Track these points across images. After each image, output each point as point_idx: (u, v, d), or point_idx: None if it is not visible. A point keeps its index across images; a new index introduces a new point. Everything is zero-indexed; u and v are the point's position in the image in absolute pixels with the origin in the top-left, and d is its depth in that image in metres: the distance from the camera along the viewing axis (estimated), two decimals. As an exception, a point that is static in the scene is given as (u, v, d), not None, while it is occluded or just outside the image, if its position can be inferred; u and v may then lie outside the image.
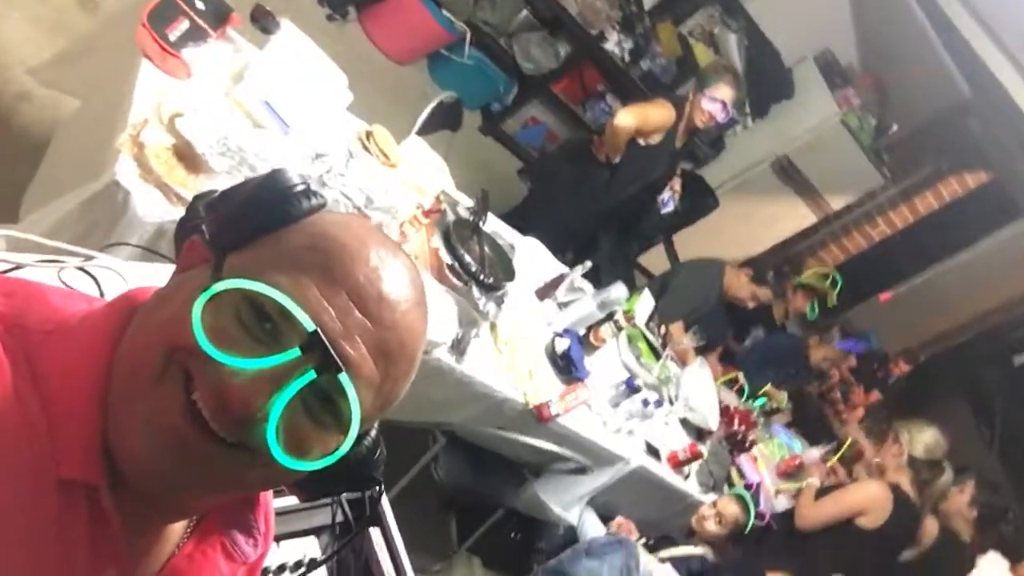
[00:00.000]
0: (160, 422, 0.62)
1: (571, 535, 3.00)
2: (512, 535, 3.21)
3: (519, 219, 3.75)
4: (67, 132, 2.19)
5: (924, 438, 3.55)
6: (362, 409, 0.64)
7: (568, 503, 2.92)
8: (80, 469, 0.63)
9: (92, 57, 2.15)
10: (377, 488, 0.81)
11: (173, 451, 0.62)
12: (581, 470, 2.73)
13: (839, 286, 4.51)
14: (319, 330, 0.61)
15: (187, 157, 1.84)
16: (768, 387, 4.44)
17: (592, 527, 3.01)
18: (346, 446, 0.65)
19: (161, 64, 2.00)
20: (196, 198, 0.77)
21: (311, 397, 0.64)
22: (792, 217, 5.81)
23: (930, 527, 3.77)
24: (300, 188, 0.70)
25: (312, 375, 0.61)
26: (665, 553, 2.88)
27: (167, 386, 0.62)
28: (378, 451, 0.76)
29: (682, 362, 3.70)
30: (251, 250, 0.67)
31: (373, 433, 0.75)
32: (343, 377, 0.62)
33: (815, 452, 4.18)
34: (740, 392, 4.03)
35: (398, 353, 0.67)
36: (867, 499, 3.45)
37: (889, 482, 3.56)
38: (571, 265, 3.12)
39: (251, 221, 0.68)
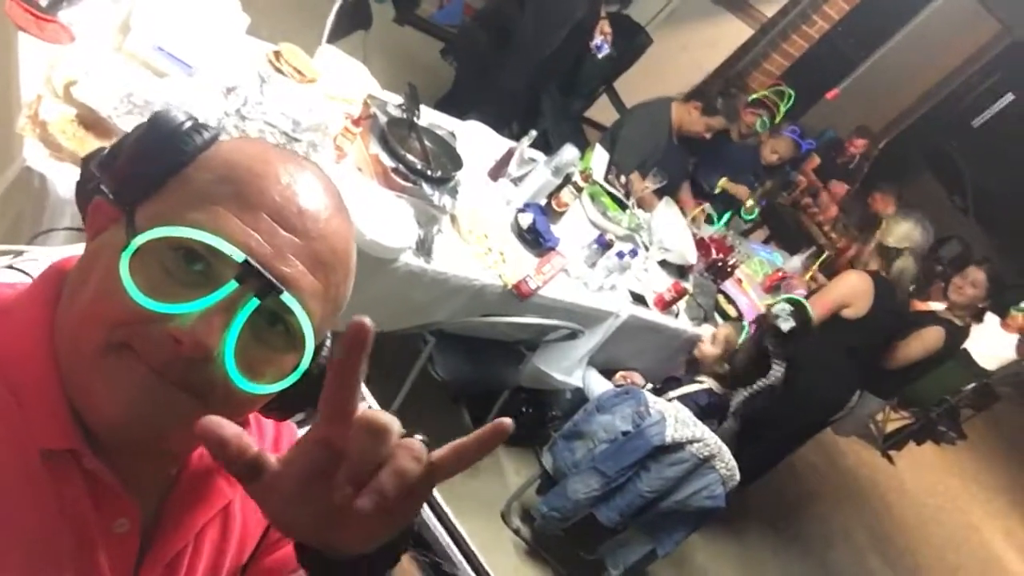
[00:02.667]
0: (119, 389, 0.63)
1: (580, 397, 3.08)
2: (523, 410, 3.29)
3: (455, 103, 3.67)
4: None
5: (898, 229, 3.59)
6: (314, 320, 0.65)
7: (568, 368, 2.98)
8: (57, 438, 0.64)
9: (-34, 43, 2.02)
10: None
11: (139, 410, 0.63)
12: (573, 335, 2.76)
13: (791, 100, 4.47)
14: (249, 258, 0.62)
15: (93, 124, 1.76)
16: (724, 181, 4.49)
17: (597, 384, 3.08)
18: (307, 359, 0.66)
19: (39, 33, 1.88)
20: (85, 159, 0.75)
21: (260, 323, 0.65)
22: (729, 35, 5.70)
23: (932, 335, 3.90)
24: (188, 124, 0.69)
25: (255, 301, 0.62)
26: (673, 393, 2.96)
27: (113, 359, 0.63)
28: None
29: (648, 208, 3.70)
30: (158, 197, 0.66)
31: (329, 342, 0.74)
32: (286, 296, 0.63)
33: (796, 261, 4.26)
34: (708, 220, 4.05)
35: (332, 260, 0.68)
36: (848, 289, 3.51)
37: (867, 270, 3.61)
38: (517, 138, 3.06)
39: (149, 168, 0.67)
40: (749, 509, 4.07)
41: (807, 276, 4.24)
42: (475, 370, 2.79)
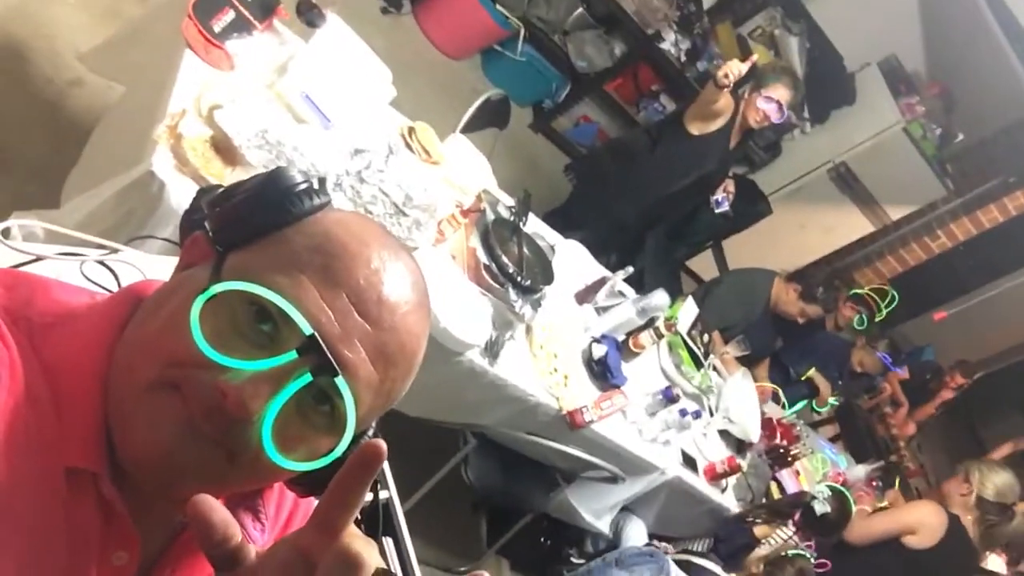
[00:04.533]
0: (157, 427, 0.62)
1: (607, 543, 2.95)
2: (542, 540, 3.17)
3: (563, 218, 3.71)
4: (110, 120, 2.21)
5: (996, 480, 3.43)
6: (360, 410, 0.64)
7: (599, 511, 2.87)
8: (82, 458, 0.64)
9: (138, 45, 2.16)
10: (380, 491, 0.79)
11: (169, 453, 0.62)
12: (614, 479, 2.67)
13: (893, 302, 4.37)
14: (316, 333, 0.61)
15: (224, 150, 1.83)
16: (812, 371, 4.36)
17: (636, 537, 2.95)
18: (343, 447, 0.65)
19: (204, 55, 2.00)
20: (201, 192, 0.76)
21: (307, 399, 0.64)
22: (848, 226, 5.66)
23: None
24: (303, 187, 0.70)
25: (308, 377, 0.61)
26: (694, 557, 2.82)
27: (160, 396, 0.62)
28: None
29: (727, 371, 3.61)
30: (252, 249, 0.67)
31: (371, 431, 0.73)
32: (340, 380, 0.62)
33: (860, 470, 4.07)
34: (775, 399, 3.92)
35: (397, 355, 0.67)
36: (920, 518, 3.38)
37: (948, 510, 3.45)
38: (614, 269, 3.06)
39: (252, 220, 0.68)
40: None
41: (884, 502, 4.03)
42: (506, 483, 2.72)
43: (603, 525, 2.88)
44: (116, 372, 0.65)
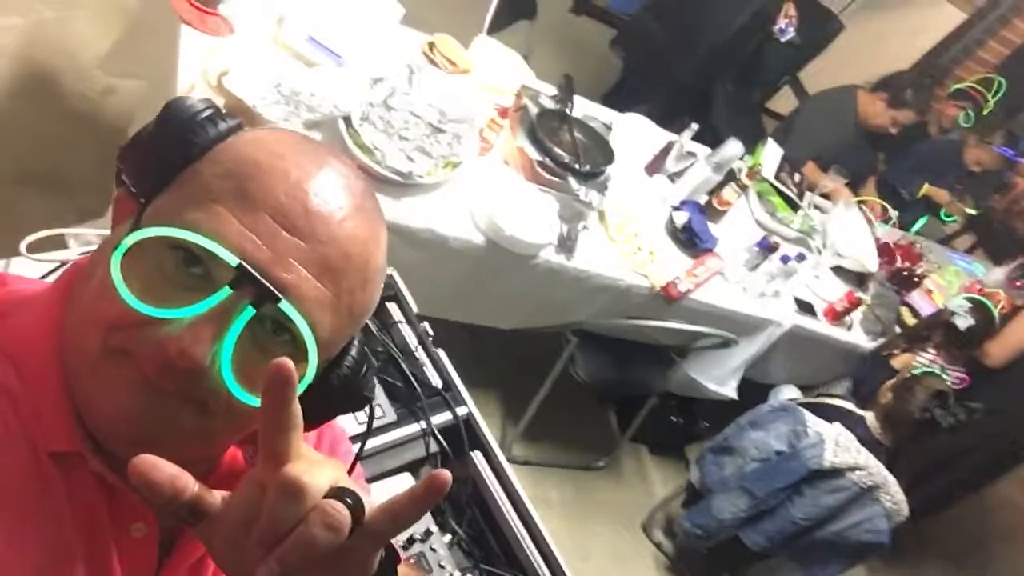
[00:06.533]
0: (117, 396, 0.60)
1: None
2: (673, 420, 3.14)
3: (621, 94, 3.55)
4: (139, 117, 2.23)
5: None
6: (321, 330, 0.60)
7: (722, 377, 2.79)
8: (62, 440, 0.62)
9: (141, 37, 2.16)
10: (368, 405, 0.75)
11: (136, 420, 0.60)
12: (726, 343, 2.58)
13: (1001, 89, 3.98)
14: (243, 262, 0.57)
15: (242, 114, 1.80)
16: (926, 187, 4.05)
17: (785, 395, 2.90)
18: (311, 372, 0.61)
19: (201, 26, 1.97)
20: (120, 148, 0.72)
21: (263, 332, 0.60)
22: (938, 23, 5.16)
23: None
24: (205, 114, 0.64)
25: (251, 310, 0.57)
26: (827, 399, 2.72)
27: (112, 364, 0.60)
28: (364, 367, 0.70)
29: (835, 202, 3.40)
30: (169, 192, 0.62)
31: (354, 351, 0.69)
32: (284, 305, 0.58)
33: (999, 272, 3.78)
34: (885, 219, 3.64)
35: (344, 266, 0.62)
36: None
37: None
38: (688, 132, 2.90)
39: (159, 161, 0.63)
40: (924, 544, 3.69)
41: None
42: (619, 373, 2.68)
43: (729, 391, 2.81)
44: (68, 349, 0.63)
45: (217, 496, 0.51)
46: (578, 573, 1.32)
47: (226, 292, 0.57)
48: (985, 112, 4.02)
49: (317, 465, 0.51)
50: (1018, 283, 3.83)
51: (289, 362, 0.49)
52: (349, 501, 0.50)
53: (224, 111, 0.67)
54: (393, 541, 0.60)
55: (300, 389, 0.61)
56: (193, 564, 0.73)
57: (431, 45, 2.44)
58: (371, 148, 1.98)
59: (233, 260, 0.57)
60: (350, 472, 0.80)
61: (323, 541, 0.48)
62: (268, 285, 0.57)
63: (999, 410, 2.98)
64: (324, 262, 0.60)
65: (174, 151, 0.63)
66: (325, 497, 0.50)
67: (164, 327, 0.57)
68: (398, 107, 2.11)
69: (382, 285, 0.69)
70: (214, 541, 0.52)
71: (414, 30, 2.46)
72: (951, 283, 3.79)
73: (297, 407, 0.51)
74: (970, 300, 2.98)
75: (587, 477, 2.99)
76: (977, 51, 5.37)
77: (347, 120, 1.99)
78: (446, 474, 0.50)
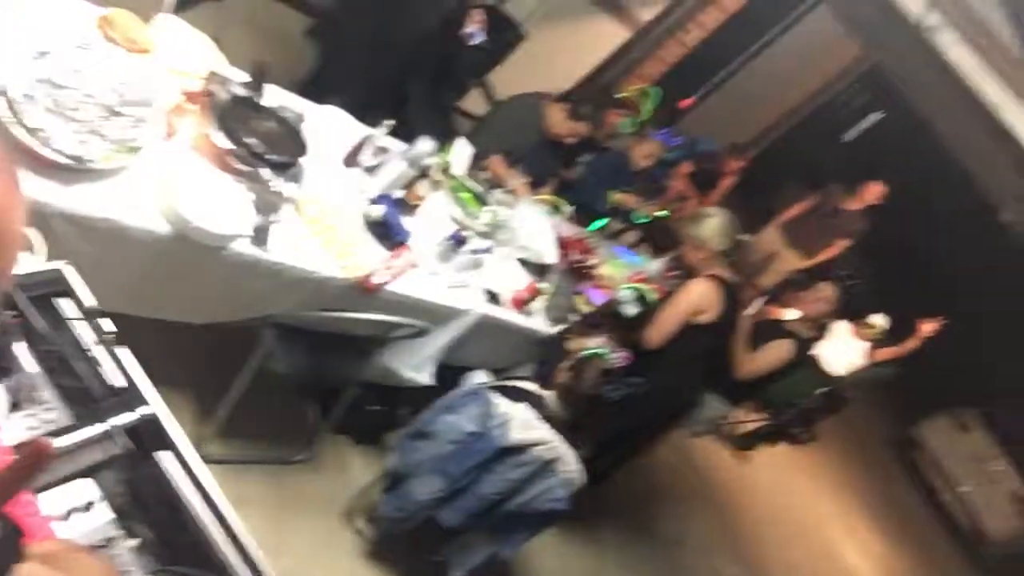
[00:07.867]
0: None
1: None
2: (372, 408, 3.20)
3: (317, 85, 3.53)
4: None
5: (706, 230, 3.48)
6: None
7: (418, 365, 2.91)
8: None
9: None
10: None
11: None
12: (420, 332, 2.70)
13: (655, 99, 4.52)
14: None
15: None
16: (616, 196, 4.50)
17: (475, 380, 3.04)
18: None
19: None
20: None
21: None
22: (605, 38, 5.74)
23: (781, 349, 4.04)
24: None
25: None
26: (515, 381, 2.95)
27: None
28: None
29: (518, 199, 3.65)
30: None
31: None
32: None
33: (656, 264, 4.31)
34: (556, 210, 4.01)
35: None
36: (697, 297, 3.44)
37: (707, 276, 3.49)
38: (383, 128, 2.96)
39: None
40: (600, 507, 4.12)
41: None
42: (318, 364, 2.68)
43: (425, 377, 2.93)
44: None
45: None
46: (279, 568, 1.32)
47: None
48: (642, 118, 4.54)
49: None
50: (670, 273, 4.39)
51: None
52: None
53: None
54: None
55: None
56: None
57: (106, 19, 2.26)
58: (34, 128, 1.81)
59: None
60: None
61: None
62: None
63: (659, 386, 3.41)
64: None
65: None
66: None
67: None
68: (69, 85, 1.93)
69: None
70: None
71: (88, 3, 2.26)
72: (620, 273, 4.25)
73: None
74: (633, 290, 3.37)
75: (289, 471, 2.96)
76: (637, 68, 6.05)
77: (4, 94, 1.79)
78: (46, 441, 0.52)
